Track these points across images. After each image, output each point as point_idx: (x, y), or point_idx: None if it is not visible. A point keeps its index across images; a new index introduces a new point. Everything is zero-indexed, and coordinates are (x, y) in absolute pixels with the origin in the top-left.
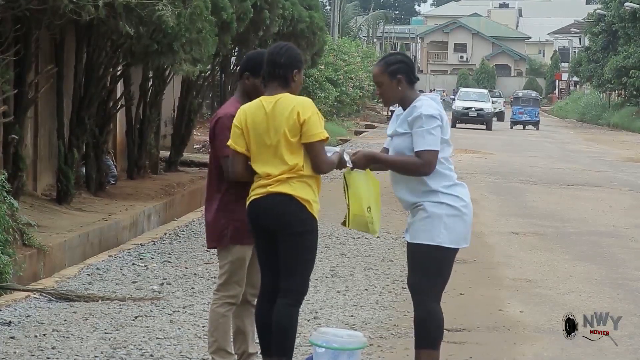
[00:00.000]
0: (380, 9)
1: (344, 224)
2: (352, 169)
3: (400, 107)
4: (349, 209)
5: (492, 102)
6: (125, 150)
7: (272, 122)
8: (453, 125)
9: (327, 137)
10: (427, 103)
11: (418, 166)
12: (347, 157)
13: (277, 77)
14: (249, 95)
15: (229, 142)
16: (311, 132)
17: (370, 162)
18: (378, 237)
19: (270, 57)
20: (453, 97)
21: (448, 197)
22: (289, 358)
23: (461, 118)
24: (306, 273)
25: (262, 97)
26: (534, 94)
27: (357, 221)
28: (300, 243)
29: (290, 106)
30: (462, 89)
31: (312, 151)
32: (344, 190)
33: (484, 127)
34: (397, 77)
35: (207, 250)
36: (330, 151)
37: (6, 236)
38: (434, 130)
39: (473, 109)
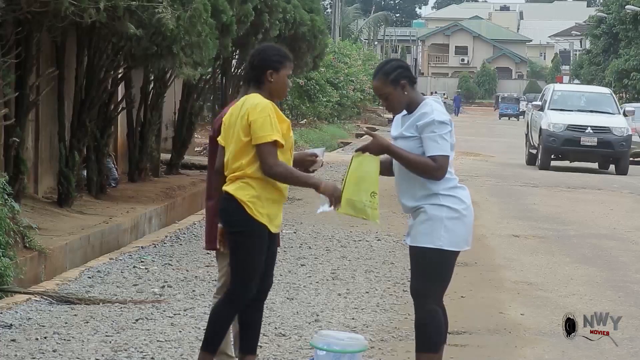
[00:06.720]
0: (381, 12)
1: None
2: (363, 152)
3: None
4: (342, 192)
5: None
6: (127, 153)
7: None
8: (545, 166)
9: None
10: (436, 108)
11: (432, 169)
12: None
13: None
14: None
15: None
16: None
17: (384, 151)
18: (383, 242)
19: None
20: (539, 102)
21: (448, 199)
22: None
23: (563, 150)
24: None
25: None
26: (515, 94)
27: (350, 205)
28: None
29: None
30: (557, 87)
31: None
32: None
33: (606, 164)
34: (401, 83)
35: (207, 253)
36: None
37: (7, 239)
38: (445, 135)
39: (589, 130)
